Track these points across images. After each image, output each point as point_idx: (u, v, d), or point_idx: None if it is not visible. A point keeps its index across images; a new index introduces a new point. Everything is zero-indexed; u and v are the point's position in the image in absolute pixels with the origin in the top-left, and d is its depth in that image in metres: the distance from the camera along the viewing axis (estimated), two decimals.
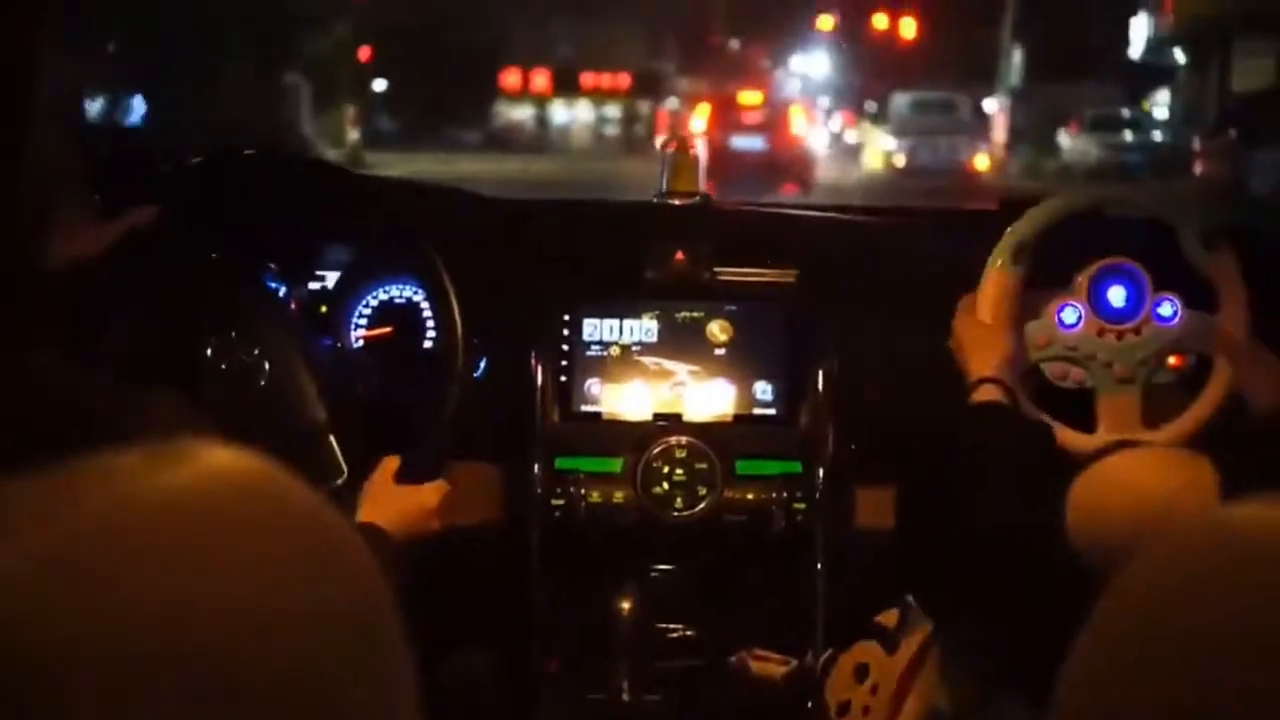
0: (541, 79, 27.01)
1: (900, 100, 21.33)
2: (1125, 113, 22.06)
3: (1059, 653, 0.51)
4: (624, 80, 26.99)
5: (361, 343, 1.84)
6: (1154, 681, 0.46)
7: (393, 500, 1.49)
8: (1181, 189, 14.13)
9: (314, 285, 1.86)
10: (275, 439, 1.48)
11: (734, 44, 25.23)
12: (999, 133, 21.53)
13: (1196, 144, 15.73)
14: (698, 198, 1.87)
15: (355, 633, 0.48)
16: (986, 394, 1.47)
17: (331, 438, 1.52)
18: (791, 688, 1.66)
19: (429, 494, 1.51)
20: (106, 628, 0.40)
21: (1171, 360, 1.60)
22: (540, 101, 27.28)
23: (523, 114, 27.12)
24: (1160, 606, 0.48)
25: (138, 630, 0.41)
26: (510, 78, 26.88)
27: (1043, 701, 0.52)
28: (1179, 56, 21.51)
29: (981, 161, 19.64)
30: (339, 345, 1.77)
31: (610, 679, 1.59)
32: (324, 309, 1.83)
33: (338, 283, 1.86)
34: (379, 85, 23.55)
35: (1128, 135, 20.45)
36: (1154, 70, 22.75)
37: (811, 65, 26.49)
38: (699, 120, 17.67)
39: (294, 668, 0.44)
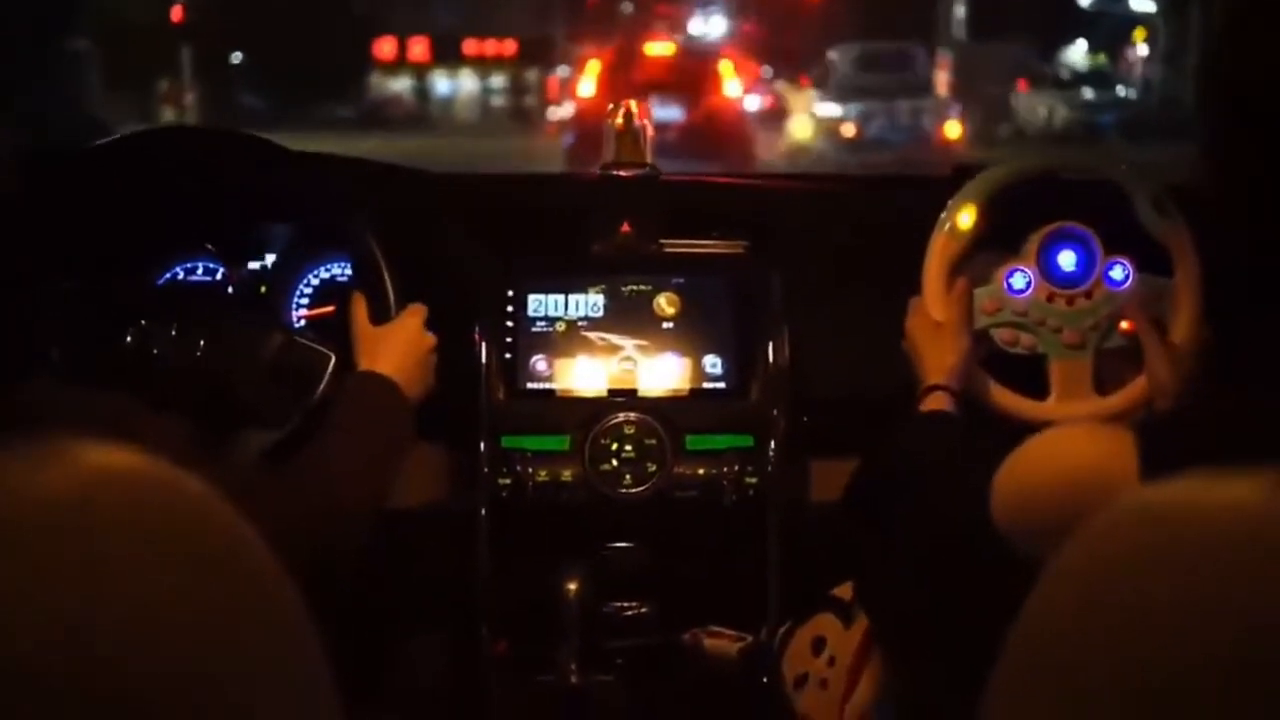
0: (419, 47, 24.65)
1: (842, 55, 17.07)
2: (1087, 65, 19.80)
3: (995, 642, 0.50)
4: (509, 47, 24.60)
5: (303, 322, 1.81)
6: (1091, 660, 0.46)
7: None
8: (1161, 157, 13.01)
9: (254, 265, 1.83)
10: (231, 396, 1.48)
11: (627, 6, 22.12)
12: (941, 91, 17.83)
13: None
14: (645, 169, 1.83)
15: (255, 630, 0.45)
16: (936, 402, 1.45)
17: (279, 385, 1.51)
18: (747, 664, 1.64)
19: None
20: None
21: (1124, 325, 1.58)
22: (419, 72, 24.90)
23: (401, 86, 24.80)
24: (1093, 587, 0.48)
25: (21, 639, 0.38)
26: (385, 47, 24.50)
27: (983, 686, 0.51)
28: (1136, 2, 19.56)
29: (953, 129, 15.71)
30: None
31: (560, 660, 1.57)
32: (264, 289, 1.80)
33: (275, 262, 1.82)
34: (237, 58, 21.43)
35: (1088, 93, 18.34)
36: (1109, 20, 20.58)
37: (713, 27, 23.12)
38: (586, 84, 12.94)
39: (191, 670, 0.42)
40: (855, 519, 1.37)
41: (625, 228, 1.77)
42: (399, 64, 24.71)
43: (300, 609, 0.48)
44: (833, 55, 17.19)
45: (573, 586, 1.59)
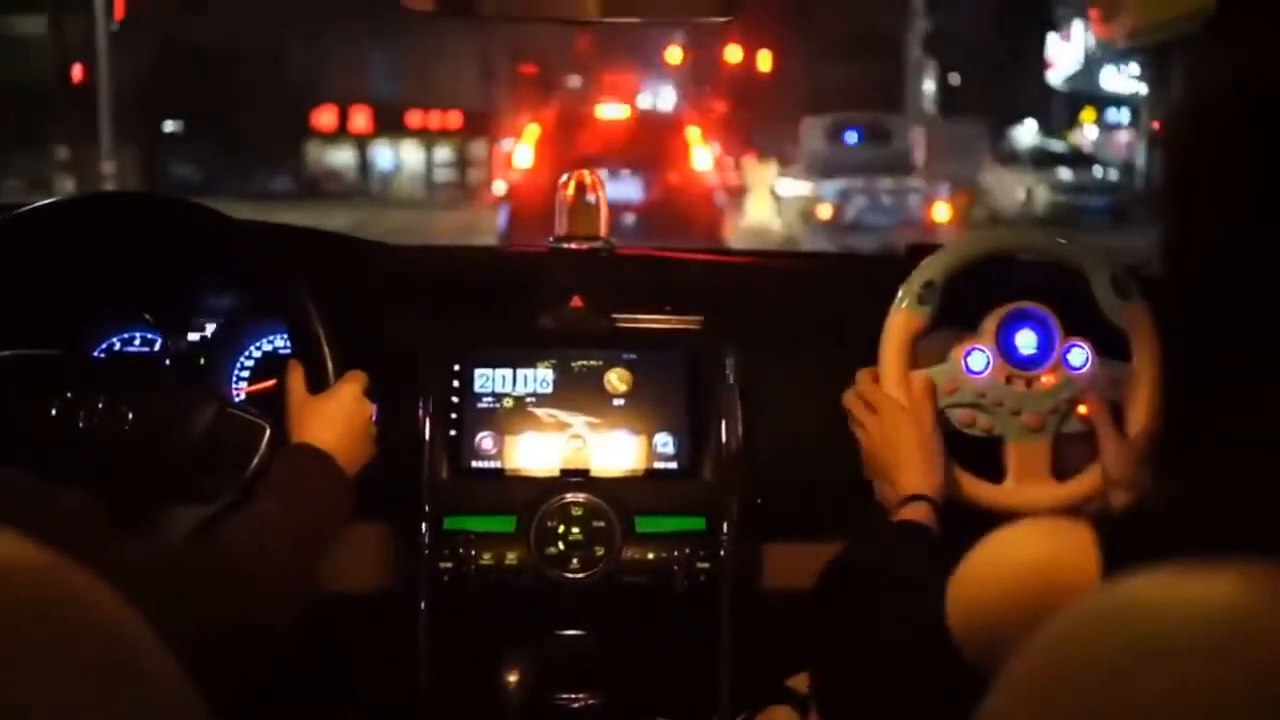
0: (361, 118, 23.99)
1: (815, 127, 15.68)
2: (1061, 146, 18.56)
3: None
4: (455, 119, 23.97)
5: (243, 396, 1.75)
6: None
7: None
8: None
9: (193, 336, 1.78)
10: (161, 470, 1.43)
11: (574, 80, 21.27)
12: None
13: None
14: (599, 243, 1.79)
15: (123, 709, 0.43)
16: (916, 513, 1.39)
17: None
18: None
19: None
20: None
21: (1082, 409, 1.55)
22: (361, 143, 24.15)
23: (341, 157, 24.05)
24: (1053, 691, 0.46)
25: None
26: (324, 116, 23.78)
27: None
28: (1109, 80, 18.34)
29: (942, 211, 14.05)
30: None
31: None
32: (203, 360, 1.74)
33: (215, 333, 1.77)
34: (170, 126, 20.55)
35: (1065, 173, 17.13)
36: (1078, 97, 19.94)
37: (662, 100, 22.64)
38: (523, 152, 10.78)
39: None
40: (818, 621, 1.32)
41: (576, 302, 1.73)
42: (339, 134, 24.02)
43: (193, 705, 0.46)
44: (807, 128, 15.82)
45: (513, 678, 1.53)
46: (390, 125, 23.86)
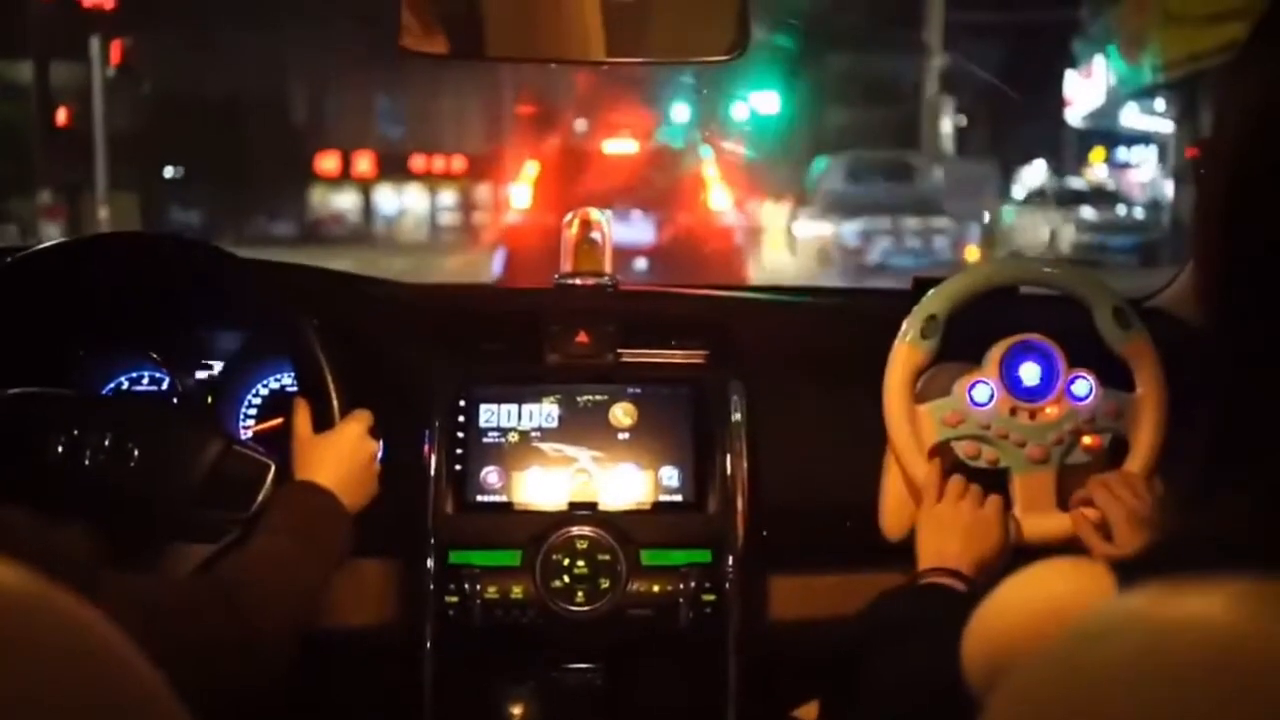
0: (365, 162, 23.57)
1: (833, 166, 14.99)
2: (1083, 184, 17.97)
3: None
4: (459, 163, 23.59)
5: (250, 434, 1.75)
6: None
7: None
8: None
9: (201, 375, 1.78)
10: (165, 507, 1.42)
11: (581, 124, 19.62)
12: None
13: None
14: (604, 279, 1.80)
15: None
16: (943, 580, 1.37)
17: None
18: None
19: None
20: None
21: (1087, 440, 1.56)
22: (364, 187, 23.75)
23: (345, 202, 23.61)
24: (1048, 700, 0.46)
25: None
26: (327, 161, 23.40)
27: None
28: (1130, 118, 17.48)
29: (974, 255, 13.36)
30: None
31: None
32: (210, 399, 1.75)
33: (223, 371, 1.78)
34: (169, 172, 20.07)
35: (1088, 211, 16.47)
36: (1096, 136, 19.45)
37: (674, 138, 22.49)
38: (520, 191, 9.92)
39: None
40: (833, 670, 1.31)
41: (581, 337, 1.74)
42: (342, 179, 23.66)
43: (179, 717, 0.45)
44: (823, 167, 15.18)
45: (517, 711, 1.53)
46: (394, 169, 23.66)
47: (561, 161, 9.92)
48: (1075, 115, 18.33)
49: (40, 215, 14.37)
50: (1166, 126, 17.23)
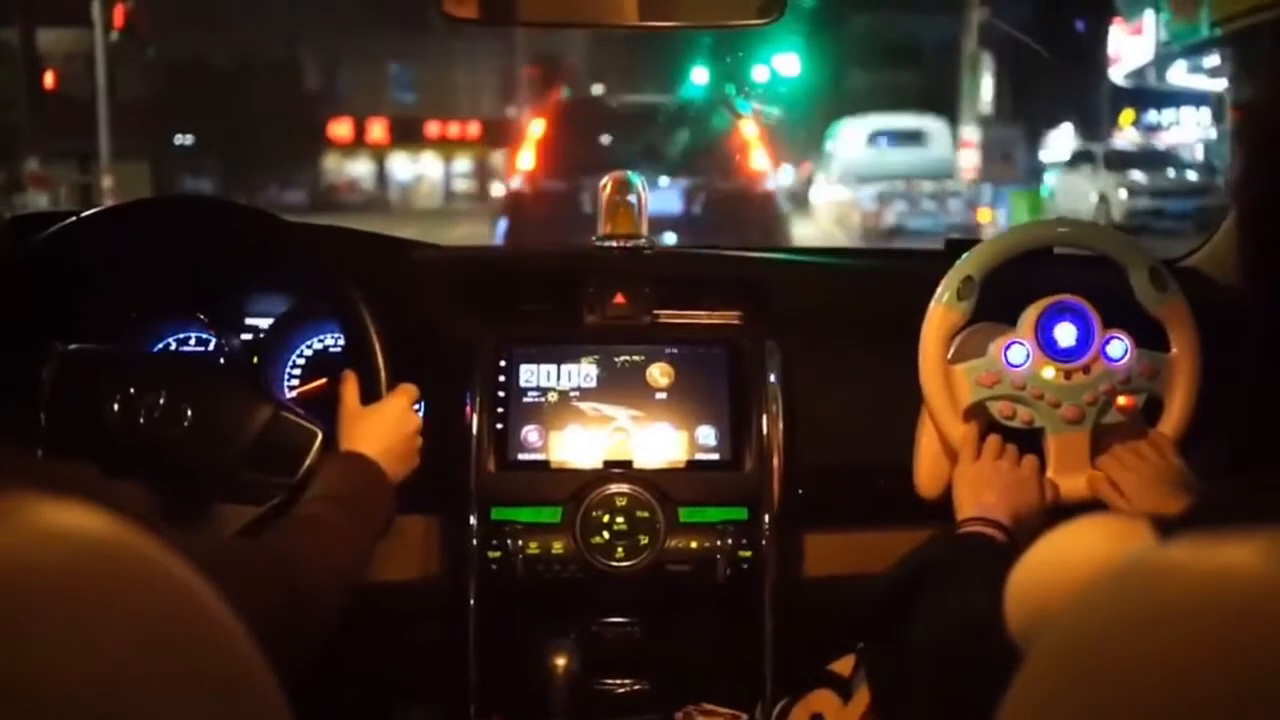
0: (378, 129, 23.36)
1: (852, 131, 15.01)
2: (1130, 145, 16.99)
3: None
4: (474, 129, 23.33)
5: (294, 394, 1.78)
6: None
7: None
8: None
9: (246, 336, 1.81)
10: (214, 469, 1.45)
11: (597, 89, 19.15)
12: (968, 174, 15.24)
13: None
14: (641, 240, 1.83)
15: (216, 700, 0.43)
16: (981, 529, 1.39)
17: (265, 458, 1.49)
18: None
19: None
20: None
21: (1121, 400, 1.57)
22: (378, 154, 23.55)
23: (359, 170, 23.41)
24: (1085, 651, 0.47)
25: None
26: (340, 128, 23.12)
27: None
28: (1178, 76, 16.24)
29: (986, 216, 13.34)
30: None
31: None
32: (255, 360, 1.78)
33: (268, 333, 1.80)
34: (179, 140, 19.75)
35: (1138, 175, 15.70)
36: (1138, 95, 18.38)
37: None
38: (526, 154, 8.40)
39: None
40: (869, 640, 1.33)
41: (619, 298, 1.77)
42: (355, 146, 23.26)
43: (268, 677, 0.46)
44: (840, 132, 14.97)
45: (561, 662, 1.56)
46: (408, 136, 23.34)
47: (572, 119, 8.80)
48: (1119, 73, 17.17)
49: (29, 184, 13.71)
50: (1217, 85, 16.27)
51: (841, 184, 14.29)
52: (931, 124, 15.80)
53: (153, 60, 18.31)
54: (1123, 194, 15.45)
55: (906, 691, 1.21)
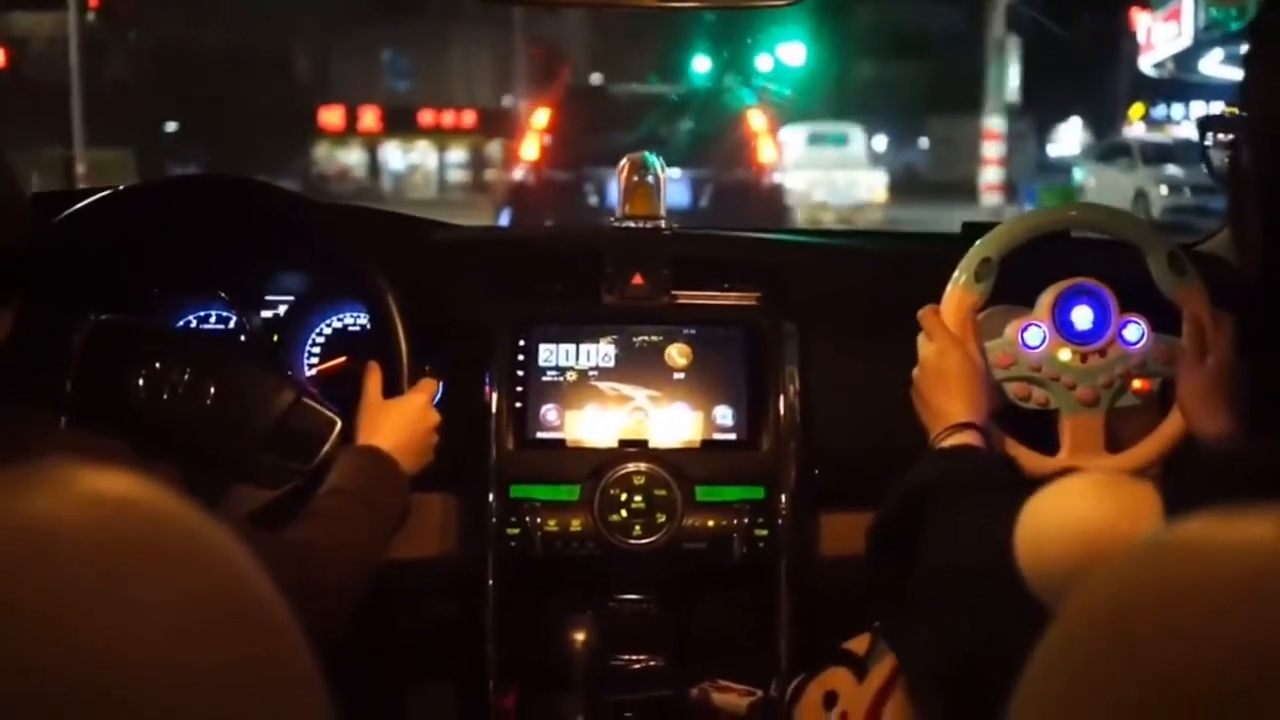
0: (370, 117, 22.85)
1: (794, 135, 16.44)
2: (1166, 138, 16.50)
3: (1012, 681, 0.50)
4: (469, 118, 22.90)
5: (314, 372, 1.79)
6: (1104, 701, 0.45)
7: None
8: None
9: (266, 314, 1.82)
10: (231, 450, 1.46)
11: (596, 78, 19.23)
12: (990, 170, 15.10)
13: None
14: (659, 221, 1.84)
15: (258, 674, 0.44)
16: (965, 437, 1.40)
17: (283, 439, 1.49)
18: (756, 719, 1.62)
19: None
20: None
21: (1137, 384, 1.59)
22: (370, 143, 23.07)
23: (351, 158, 22.96)
24: (1105, 625, 0.47)
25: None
26: (331, 115, 22.63)
27: None
28: (1211, 66, 15.09)
29: (881, 197, 15.55)
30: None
31: (568, 713, 1.54)
32: (276, 338, 1.79)
33: (289, 311, 1.81)
34: (167, 126, 19.49)
35: (1172, 169, 15.01)
36: (1149, 87, 17.92)
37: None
38: (529, 144, 8.53)
39: (176, 707, 0.40)
40: (877, 558, 1.34)
41: (637, 279, 1.78)
42: (347, 134, 22.91)
43: (304, 646, 0.47)
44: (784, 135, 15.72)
45: (580, 638, 1.57)
46: (401, 124, 23.01)
47: (576, 109, 8.82)
48: (1149, 62, 16.25)
49: None
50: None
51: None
52: (852, 129, 18.35)
53: (136, 44, 18.08)
54: (1163, 189, 14.89)
55: (920, 608, 1.22)
